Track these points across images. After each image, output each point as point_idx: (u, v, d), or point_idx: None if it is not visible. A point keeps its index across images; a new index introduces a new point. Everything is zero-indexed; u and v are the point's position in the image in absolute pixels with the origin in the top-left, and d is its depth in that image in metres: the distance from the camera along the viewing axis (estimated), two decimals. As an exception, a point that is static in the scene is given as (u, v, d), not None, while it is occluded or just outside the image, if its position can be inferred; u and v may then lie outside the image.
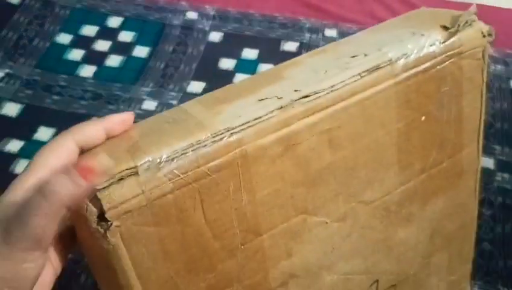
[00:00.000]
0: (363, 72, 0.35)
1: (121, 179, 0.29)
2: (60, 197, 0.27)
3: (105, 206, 0.29)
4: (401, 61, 0.36)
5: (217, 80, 0.75)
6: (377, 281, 0.43)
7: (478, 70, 0.40)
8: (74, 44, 0.79)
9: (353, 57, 0.36)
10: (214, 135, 0.31)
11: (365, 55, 0.36)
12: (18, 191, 0.29)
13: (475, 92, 0.41)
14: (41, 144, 0.66)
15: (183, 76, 0.75)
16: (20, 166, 0.64)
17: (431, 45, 0.37)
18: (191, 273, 0.33)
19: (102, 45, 0.79)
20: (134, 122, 0.70)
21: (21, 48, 0.77)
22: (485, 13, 0.45)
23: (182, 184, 0.30)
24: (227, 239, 0.34)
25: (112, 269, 0.31)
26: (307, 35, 0.81)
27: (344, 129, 0.35)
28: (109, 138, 0.32)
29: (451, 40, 0.38)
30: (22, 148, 0.66)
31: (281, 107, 0.33)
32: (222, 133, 0.31)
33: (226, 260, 0.34)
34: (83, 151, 0.31)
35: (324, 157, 0.35)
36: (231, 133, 0.32)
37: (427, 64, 0.37)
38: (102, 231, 0.29)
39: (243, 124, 0.32)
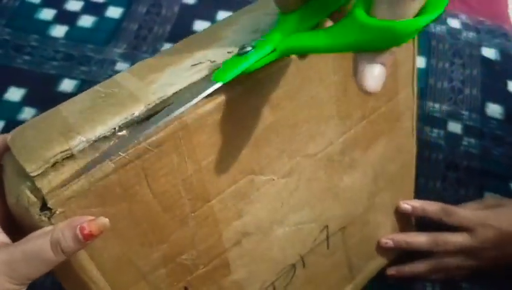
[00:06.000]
0: None
1: (56, 162, 0.28)
2: (65, 253, 0.28)
3: (47, 196, 0.28)
4: None
5: (191, 42, 0.74)
6: (327, 226, 0.45)
7: None
8: (45, 3, 0.77)
9: None
10: (148, 106, 0.30)
11: None
12: None
13: None
14: (11, 104, 0.66)
15: (157, 38, 0.75)
16: (-11, 126, 0.63)
17: None
18: (144, 247, 0.33)
19: (74, 5, 0.77)
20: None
21: (-10, 6, 0.76)
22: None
23: (123, 163, 0.30)
24: (177, 210, 0.34)
25: None
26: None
27: (281, 88, 0.35)
28: None
29: None
30: (-9, 108, 0.65)
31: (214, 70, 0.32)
32: (156, 104, 0.30)
33: (178, 229, 0.34)
34: None
35: (265, 118, 0.35)
36: (168, 104, 0.30)
37: None
38: (46, 219, 0.28)
39: (176, 92, 0.31)
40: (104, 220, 0.29)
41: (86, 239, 0.28)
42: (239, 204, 0.37)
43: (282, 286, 0.45)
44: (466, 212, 0.51)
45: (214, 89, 0.30)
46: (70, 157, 0.28)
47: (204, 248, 0.36)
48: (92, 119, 0.29)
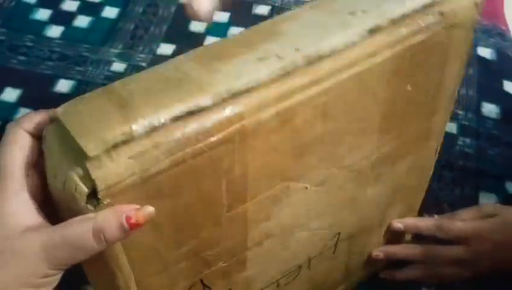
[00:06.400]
0: (364, 30, 0.34)
1: (114, 146, 0.26)
2: (108, 242, 0.28)
3: (100, 187, 0.26)
4: (402, 30, 0.35)
5: (188, 42, 0.74)
6: (339, 233, 0.45)
7: (465, 41, 0.40)
8: (41, 3, 0.77)
9: (351, 14, 0.35)
10: (215, 98, 0.29)
11: (363, 11, 0.35)
12: (10, 200, 0.29)
13: (458, 62, 0.41)
14: (6, 104, 0.66)
15: (153, 38, 0.74)
16: (-15, 126, 0.63)
17: (430, 14, 0.36)
18: (175, 241, 0.33)
19: (70, 5, 0.77)
20: (104, 84, 0.70)
21: (-15, 6, 0.75)
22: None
23: (178, 161, 0.29)
24: (215, 209, 0.33)
25: None
26: (279, -2, 0.81)
27: (339, 101, 0.35)
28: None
29: (449, 10, 0.36)
30: (-13, 109, 0.65)
31: (282, 69, 0.31)
32: (224, 101, 0.29)
33: (210, 227, 0.34)
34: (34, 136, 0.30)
35: (316, 128, 0.35)
36: (233, 102, 0.29)
37: (425, 35, 0.36)
38: (92, 208, 0.27)
39: (244, 86, 0.30)
40: (150, 209, 0.28)
41: (132, 228, 0.27)
42: (270, 207, 0.37)
43: (284, 284, 0.45)
44: (460, 225, 0.50)
45: None
46: (127, 147, 0.27)
47: (229, 246, 0.36)
48: (154, 102, 0.28)
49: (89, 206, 0.27)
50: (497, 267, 0.50)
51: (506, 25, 0.82)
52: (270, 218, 0.37)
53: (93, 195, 0.27)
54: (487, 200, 0.60)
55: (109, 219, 0.27)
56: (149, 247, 0.32)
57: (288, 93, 0.31)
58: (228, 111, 0.29)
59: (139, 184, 0.28)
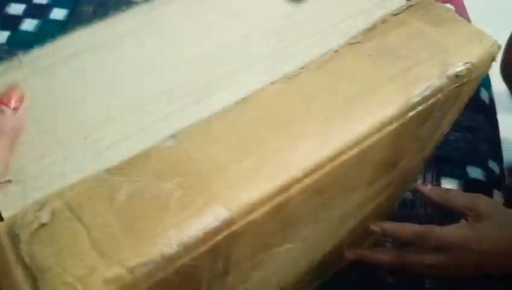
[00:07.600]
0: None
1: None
2: None
3: None
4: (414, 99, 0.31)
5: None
6: (312, 261, 0.45)
7: (473, 89, 0.37)
8: (-15, 8, 0.74)
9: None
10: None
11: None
12: None
13: (459, 107, 0.38)
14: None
15: (105, 39, 0.72)
16: None
17: (446, 78, 0.32)
18: None
19: (15, 8, 0.74)
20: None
21: None
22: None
23: (157, 281, 0.25)
24: None
25: None
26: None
27: (336, 178, 0.31)
28: None
29: (465, 71, 0.33)
30: None
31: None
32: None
33: None
34: None
35: (308, 204, 0.32)
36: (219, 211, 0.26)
37: (435, 98, 0.32)
38: None
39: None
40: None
41: (6, 104, 0.28)
42: (251, 272, 0.34)
43: None
44: (443, 233, 0.46)
45: None
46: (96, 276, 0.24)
47: None
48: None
49: None
50: (480, 272, 0.47)
51: (462, 6, 0.81)
52: (250, 278, 0.35)
53: None
54: (449, 186, 0.60)
55: None
56: None
57: (282, 188, 0.28)
58: (215, 220, 0.26)
59: None
